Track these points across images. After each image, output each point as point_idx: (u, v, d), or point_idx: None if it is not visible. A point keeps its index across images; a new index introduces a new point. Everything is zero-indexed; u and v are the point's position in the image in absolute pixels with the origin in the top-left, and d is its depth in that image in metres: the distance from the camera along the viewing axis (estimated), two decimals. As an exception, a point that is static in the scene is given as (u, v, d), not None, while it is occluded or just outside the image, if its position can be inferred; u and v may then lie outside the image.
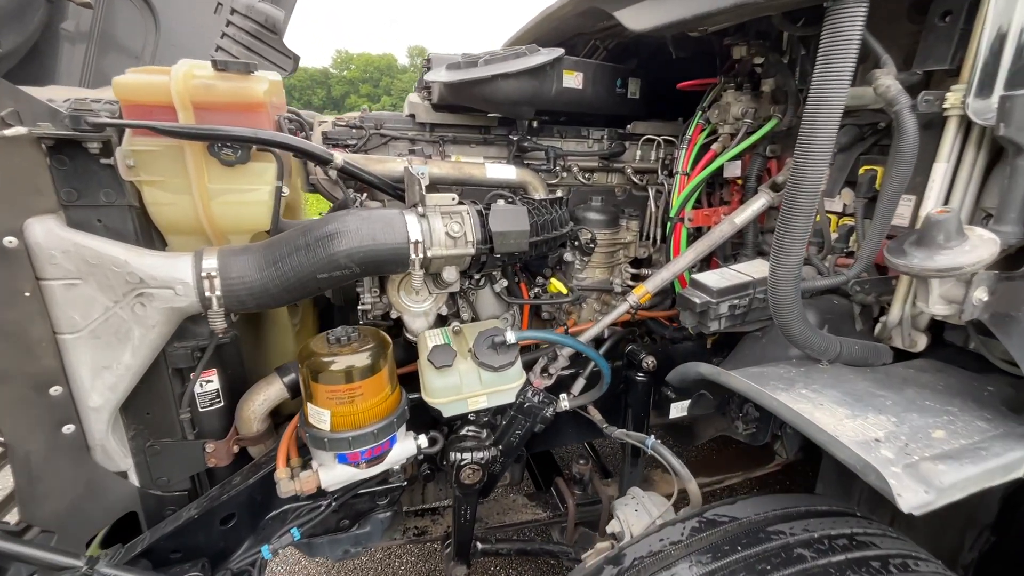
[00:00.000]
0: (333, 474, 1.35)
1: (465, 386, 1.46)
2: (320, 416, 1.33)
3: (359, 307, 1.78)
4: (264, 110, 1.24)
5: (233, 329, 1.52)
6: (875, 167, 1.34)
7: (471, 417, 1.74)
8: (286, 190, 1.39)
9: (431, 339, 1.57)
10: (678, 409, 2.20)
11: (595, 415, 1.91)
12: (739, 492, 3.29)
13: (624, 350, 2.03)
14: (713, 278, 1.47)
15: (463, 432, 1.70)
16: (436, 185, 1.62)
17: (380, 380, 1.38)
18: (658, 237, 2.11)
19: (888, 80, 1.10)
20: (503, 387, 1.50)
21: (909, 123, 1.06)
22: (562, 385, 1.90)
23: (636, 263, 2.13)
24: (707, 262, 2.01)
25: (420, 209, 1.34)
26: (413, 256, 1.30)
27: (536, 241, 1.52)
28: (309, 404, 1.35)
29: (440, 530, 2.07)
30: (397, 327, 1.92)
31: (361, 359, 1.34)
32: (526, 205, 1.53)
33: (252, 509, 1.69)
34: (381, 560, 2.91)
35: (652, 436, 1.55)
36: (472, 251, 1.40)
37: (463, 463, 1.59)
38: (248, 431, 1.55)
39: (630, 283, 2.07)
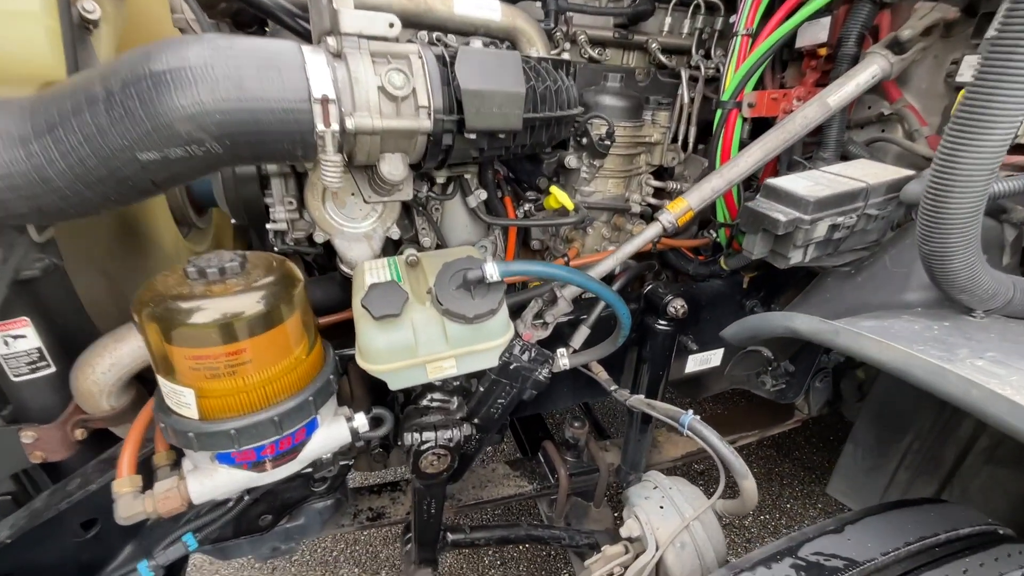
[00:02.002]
0: (211, 484, 0.86)
1: (422, 346, 0.96)
2: (180, 397, 0.81)
3: (269, 226, 1.22)
4: None
5: (47, 255, 0.96)
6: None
7: (436, 381, 1.26)
8: (94, 7, 0.77)
9: (371, 273, 1.04)
10: (698, 362, 1.78)
11: (600, 374, 1.46)
12: (754, 452, 3.01)
13: (638, 290, 1.55)
14: (802, 184, 0.96)
15: (424, 403, 1.23)
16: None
17: (281, 338, 0.86)
18: (690, 139, 1.56)
19: None
20: (480, 347, 1.00)
21: None
22: (558, 335, 1.43)
23: (658, 174, 1.59)
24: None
25: (332, 41, 0.75)
26: (321, 127, 0.73)
27: (534, 120, 0.96)
28: (162, 378, 0.83)
29: (402, 511, 1.66)
30: (330, 256, 1.38)
31: (247, 304, 0.81)
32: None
33: (129, 508, 1.21)
34: (340, 524, 2.56)
35: (690, 411, 1.10)
36: (428, 124, 0.83)
37: (424, 447, 1.12)
38: (96, 408, 1.03)
39: (651, 201, 1.55)
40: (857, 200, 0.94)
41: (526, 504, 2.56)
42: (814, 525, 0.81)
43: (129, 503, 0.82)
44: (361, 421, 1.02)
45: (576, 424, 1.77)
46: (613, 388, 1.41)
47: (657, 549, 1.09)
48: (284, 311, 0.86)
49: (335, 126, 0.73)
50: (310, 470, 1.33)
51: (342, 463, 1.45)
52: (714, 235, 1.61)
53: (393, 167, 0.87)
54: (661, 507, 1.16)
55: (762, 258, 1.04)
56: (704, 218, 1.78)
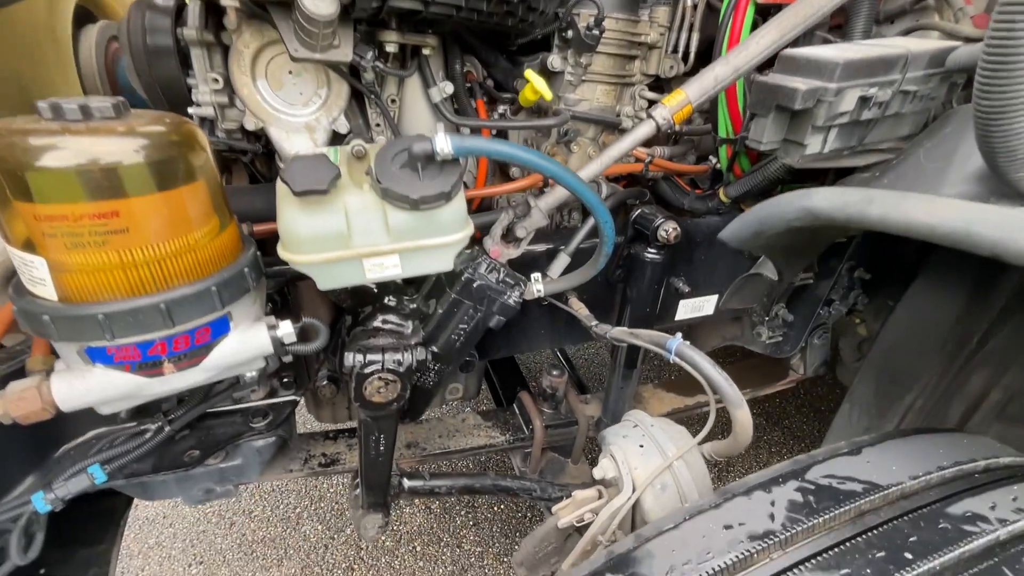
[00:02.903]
0: (82, 386, 0.69)
1: (357, 235, 0.79)
2: (31, 270, 0.64)
3: (192, 111, 1.03)
4: None
5: None
6: None
7: (389, 301, 1.10)
8: None
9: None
10: (689, 309, 1.63)
11: (580, 309, 1.31)
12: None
13: (625, 218, 1.38)
14: (828, 51, 0.79)
15: (374, 324, 1.07)
16: None
17: (173, 208, 0.68)
18: (692, 50, 1.37)
19: None
20: (430, 242, 0.83)
21: None
22: (533, 263, 1.27)
23: (655, 86, 1.41)
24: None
25: None
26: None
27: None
28: (10, 248, 0.65)
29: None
30: (273, 160, 1.20)
31: (122, 150, 0.63)
32: None
33: (28, 433, 1.05)
34: (305, 481, 2.42)
35: (678, 335, 0.95)
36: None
37: (368, 370, 0.96)
38: (-34, 307, 0.86)
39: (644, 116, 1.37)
40: (894, 70, 0.77)
41: (500, 463, 2.44)
42: (822, 448, 0.66)
43: (-31, 402, 0.65)
44: (287, 330, 0.85)
45: (555, 372, 1.62)
46: (593, 324, 1.25)
47: (634, 491, 0.94)
48: (179, 174, 0.69)
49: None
50: (255, 403, 1.18)
51: (288, 398, 1.31)
52: (713, 161, 1.43)
53: (318, -3, 0.68)
54: (641, 446, 1.01)
55: (774, 170, 0.87)
56: (702, 155, 1.61)
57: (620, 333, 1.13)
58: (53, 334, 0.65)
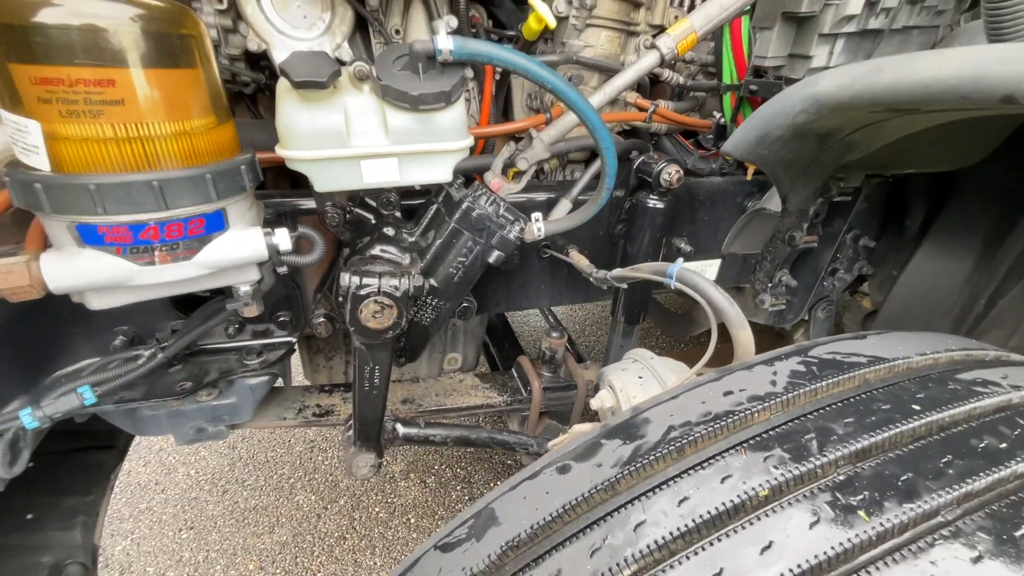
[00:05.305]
0: (72, 267, 0.68)
1: (356, 135, 0.78)
2: (25, 137, 0.63)
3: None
4: None
5: None
6: None
7: (387, 231, 1.09)
8: None
9: (303, 60, 0.85)
10: (691, 270, 1.61)
11: (579, 260, 1.30)
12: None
13: (627, 167, 1.37)
14: (834, -40, 0.78)
15: (371, 252, 1.05)
16: None
17: (171, 87, 0.68)
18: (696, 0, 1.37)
19: None
20: (429, 147, 0.82)
21: None
22: (535, 207, 1.26)
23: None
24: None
25: None
26: None
27: None
28: (4, 111, 0.65)
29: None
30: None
31: (119, 16, 0.63)
32: None
33: (17, 355, 1.04)
34: (300, 454, 2.40)
35: (680, 259, 0.93)
36: None
37: (364, 292, 0.95)
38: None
39: (650, 68, 1.36)
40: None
41: (495, 424, 2.40)
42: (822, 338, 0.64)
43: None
44: (283, 237, 0.84)
45: (554, 334, 1.60)
46: (593, 272, 1.24)
47: (632, 417, 0.92)
48: (177, 55, 0.68)
49: None
50: (247, 342, 1.17)
51: (283, 339, 1.29)
52: (718, 116, 1.43)
53: None
54: (640, 377, 0.99)
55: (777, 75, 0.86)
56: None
57: (619, 273, 1.12)
58: (44, 205, 0.64)
